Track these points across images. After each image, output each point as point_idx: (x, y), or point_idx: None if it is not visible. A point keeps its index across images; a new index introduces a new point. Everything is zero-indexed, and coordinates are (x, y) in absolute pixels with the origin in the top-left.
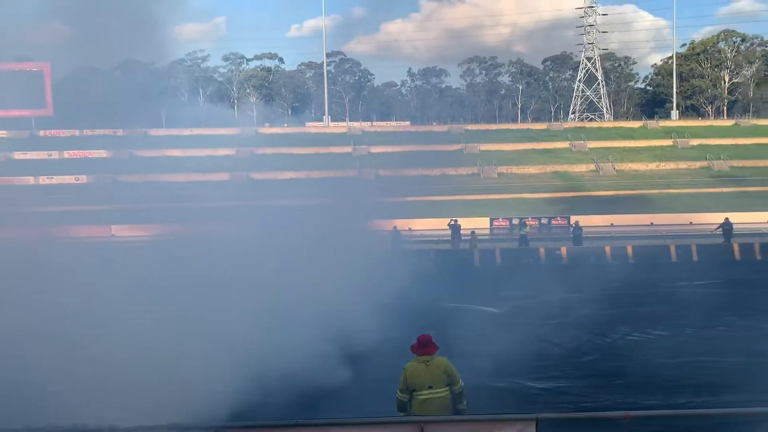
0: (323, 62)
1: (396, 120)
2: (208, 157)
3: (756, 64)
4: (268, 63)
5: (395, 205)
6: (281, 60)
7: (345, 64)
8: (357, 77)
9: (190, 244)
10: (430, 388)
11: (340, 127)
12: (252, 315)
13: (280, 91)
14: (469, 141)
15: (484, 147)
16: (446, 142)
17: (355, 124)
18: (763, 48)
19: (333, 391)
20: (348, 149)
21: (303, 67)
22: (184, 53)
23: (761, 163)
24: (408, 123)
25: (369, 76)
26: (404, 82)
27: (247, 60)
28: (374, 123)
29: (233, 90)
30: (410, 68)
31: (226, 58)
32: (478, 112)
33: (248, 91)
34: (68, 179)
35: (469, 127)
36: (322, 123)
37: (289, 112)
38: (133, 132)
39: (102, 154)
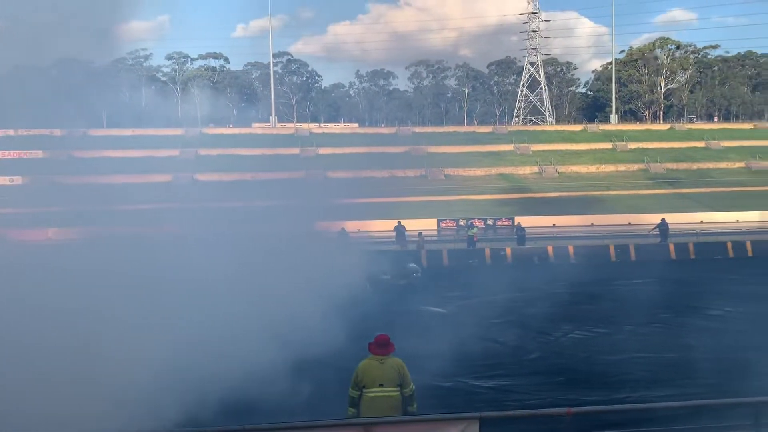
0: (270, 63)
1: (344, 121)
2: (150, 157)
3: (690, 71)
4: (213, 63)
5: (343, 207)
6: (227, 60)
7: (292, 65)
8: (304, 78)
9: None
10: (381, 386)
11: (287, 128)
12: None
13: (226, 91)
14: (417, 143)
15: (431, 149)
16: (394, 144)
17: (303, 126)
18: (696, 55)
19: (278, 396)
20: (295, 150)
21: (249, 67)
22: (125, 51)
23: (695, 165)
24: (356, 125)
25: (316, 77)
26: (352, 83)
27: (192, 59)
28: (322, 124)
29: (177, 90)
30: (358, 70)
31: (169, 57)
32: (426, 114)
33: (193, 91)
34: (2, 180)
35: (417, 129)
36: (268, 124)
37: (235, 113)
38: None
39: (38, 154)
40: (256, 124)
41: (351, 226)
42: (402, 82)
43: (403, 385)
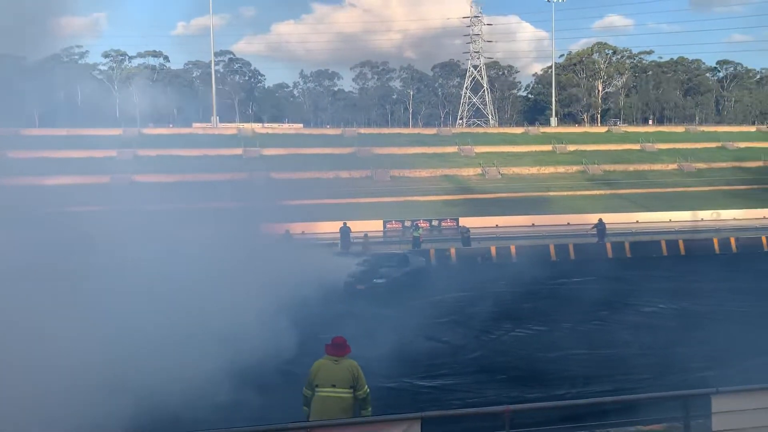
0: (211, 61)
1: (288, 122)
2: (87, 158)
3: (626, 75)
4: (152, 61)
5: (288, 209)
6: (166, 58)
7: (234, 64)
8: (247, 77)
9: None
10: (333, 386)
11: (229, 128)
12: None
13: (166, 90)
14: (363, 144)
15: (377, 150)
16: (339, 145)
17: (246, 126)
18: (632, 60)
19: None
20: (238, 151)
21: (190, 66)
22: (60, 48)
23: (631, 167)
24: (301, 125)
25: (259, 77)
26: (296, 83)
27: (130, 57)
28: (266, 125)
29: (115, 89)
30: (302, 70)
31: (106, 55)
32: (371, 115)
33: (131, 89)
34: None
35: (362, 130)
36: (209, 124)
37: (175, 113)
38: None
39: None
40: (197, 125)
41: (296, 227)
42: (347, 83)
43: (357, 388)
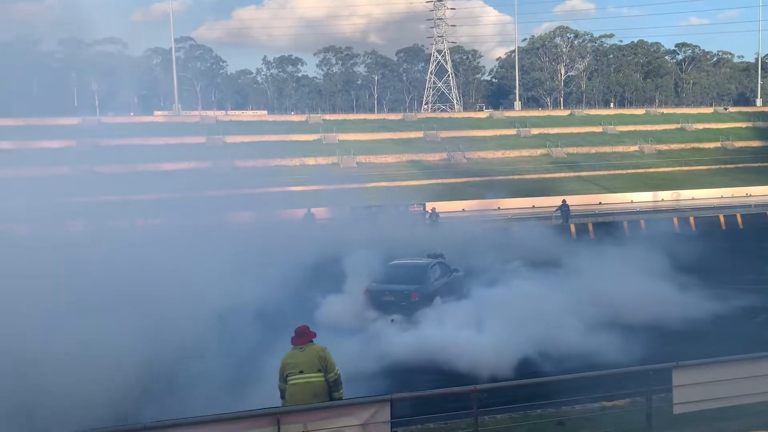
0: (171, 48)
1: (252, 109)
2: (45, 149)
3: (587, 59)
4: (110, 48)
5: (253, 197)
6: (125, 45)
7: (195, 51)
8: (209, 64)
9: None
10: (301, 372)
11: (191, 116)
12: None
13: (125, 78)
14: (328, 131)
15: (342, 137)
16: (305, 132)
17: (208, 113)
18: (593, 44)
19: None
20: (201, 139)
21: (149, 53)
22: (11, 35)
23: (593, 149)
24: (265, 112)
25: (222, 64)
26: (259, 70)
27: (87, 45)
28: (229, 112)
29: (72, 77)
30: (265, 56)
31: (62, 42)
32: (336, 101)
33: (89, 78)
34: None
35: (328, 116)
36: (171, 112)
37: (136, 101)
38: None
39: None
40: (159, 113)
41: (263, 215)
42: (311, 69)
43: (327, 371)
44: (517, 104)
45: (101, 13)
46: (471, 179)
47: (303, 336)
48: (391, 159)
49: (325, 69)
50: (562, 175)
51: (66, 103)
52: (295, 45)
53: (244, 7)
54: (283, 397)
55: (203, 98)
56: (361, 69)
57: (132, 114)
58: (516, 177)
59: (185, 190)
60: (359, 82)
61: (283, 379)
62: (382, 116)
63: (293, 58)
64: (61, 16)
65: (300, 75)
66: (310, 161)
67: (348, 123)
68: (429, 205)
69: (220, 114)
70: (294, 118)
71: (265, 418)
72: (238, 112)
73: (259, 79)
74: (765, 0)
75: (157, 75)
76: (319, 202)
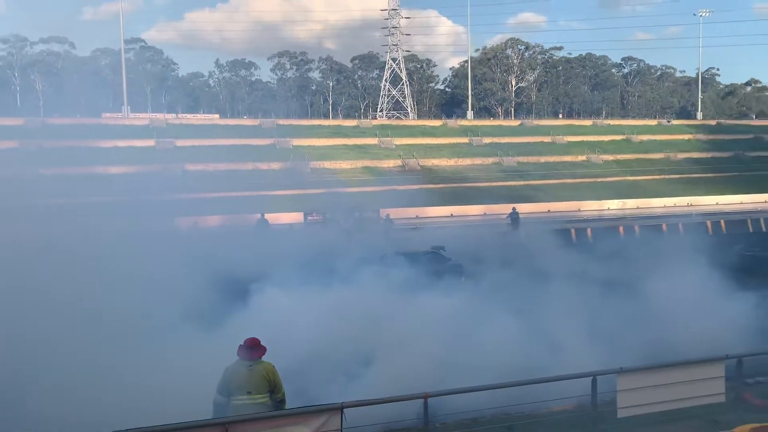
0: (121, 49)
1: (203, 112)
2: None
3: (537, 71)
4: (56, 47)
5: (204, 201)
6: (72, 45)
7: (146, 52)
8: (159, 66)
9: None
10: (249, 393)
11: (140, 118)
12: None
13: (72, 78)
14: (281, 136)
15: (296, 142)
16: (257, 137)
17: (158, 116)
18: (543, 56)
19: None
20: (150, 142)
21: (98, 53)
22: None
23: (542, 159)
24: (217, 116)
25: (173, 66)
26: (212, 73)
27: (32, 43)
28: (180, 115)
29: (15, 76)
30: (218, 59)
31: (5, 41)
32: (290, 106)
33: (33, 77)
34: None
35: (281, 121)
36: (120, 114)
37: (83, 102)
38: None
39: None
40: (107, 115)
41: (213, 221)
42: (265, 73)
43: (274, 391)
44: (470, 113)
45: (47, 10)
46: (425, 186)
47: (252, 350)
48: (345, 165)
49: (279, 74)
50: (513, 183)
51: (8, 103)
52: (248, 49)
53: (197, 9)
54: (218, 412)
55: (153, 101)
56: (315, 75)
57: (78, 116)
58: (468, 185)
59: (133, 193)
60: (314, 88)
61: (224, 393)
62: (336, 122)
63: (247, 61)
64: (4, 12)
65: (253, 79)
66: (263, 166)
67: (302, 128)
68: (383, 212)
69: (170, 117)
70: (247, 122)
71: (213, 428)
72: (189, 116)
73: (211, 82)
74: (705, 18)
75: (105, 76)
76: (273, 207)
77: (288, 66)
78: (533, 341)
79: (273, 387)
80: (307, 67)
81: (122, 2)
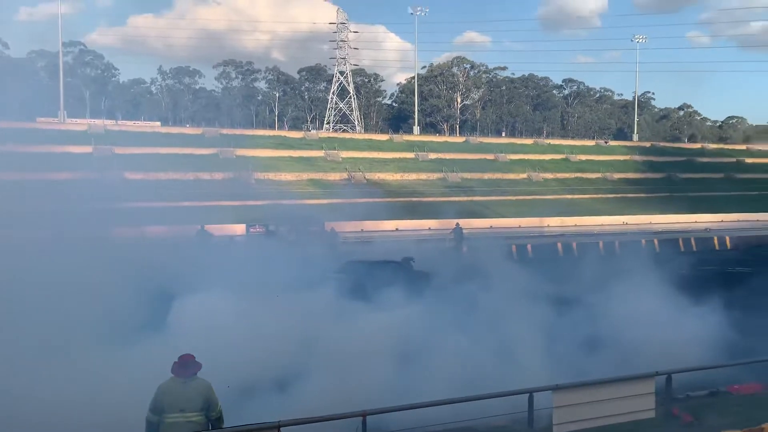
0: (59, 51)
1: (144, 120)
2: None
3: (482, 89)
4: None
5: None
6: (6, 45)
7: (85, 56)
8: (99, 71)
9: None
10: (182, 411)
11: (78, 124)
12: None
13: (4, 80)
14: (225, 145)
15: (240, 152)
16: (200, 146)
17: (97, 122)
18: (488, 75)
19: None
20: (88, 149)
21: (33, 55)
22: None
23: (486, 175)
24: (158, 123)
25: (113, 71)
26: (154, 80)
27: None
28: (119, 121)
29: None
30: (161, 66)
31: None
32: (235, 116)
33: None
34: None
35: (225, 131)
36: (56, 119)
37: (16, 105)
38: None
39: None
40: (42, 119)
41: (153, 231)
42: (209, 82)
43: (210, 408)
44: (416, 129)
45: None
46: (371, 200)
47: (187, 367)
48: (290, 177)
49: (224, 82)
50: (457, 199)
51: None
52: (193, 56)
53: (141, 14)
54: (149, 429)
55: (92, 106)
56: (261, 85)
57: (11, 120)
58: (414, 199)
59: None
60: (259, 98)
61: (157, 411)
62: (282, 133)
63: (191, 69)
64: None
65: (197, 87)
66: (205, 176)
67: (246, 138)
68: (328, 225)
69: (109, 123)
70: (189, 130)
71: None
72: (129, 123)
73: (153, 89)
74: (642, 44)
75: (41, 79)
76: (215, 218)
77: (233, 75)
78: (477, 356)
79: (208, 404)
80: (253, 76)
81: (61, 3)
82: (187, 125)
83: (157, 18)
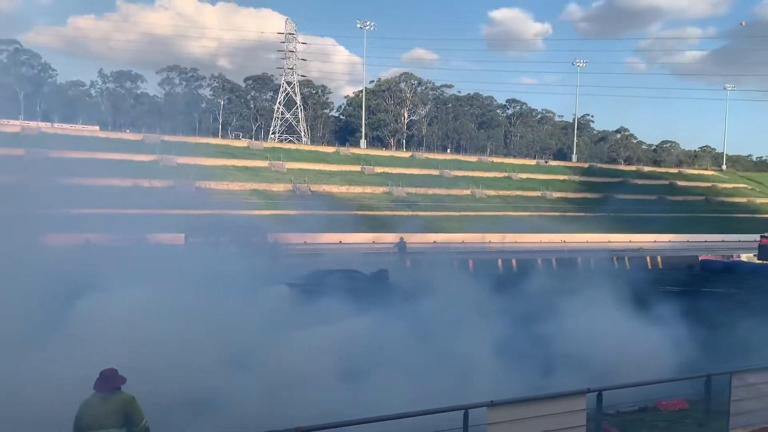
0: None
1: (82, 123)
2: None
3: (429, 106)
4: None
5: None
6: None
7: (21, 55)
8: (36, 71)
9: None
10: (102, 428)
11: (11, 125)
12: None
13: None
14: (166, 152)
15: (181, 160)
16: (140, 152)
17: (31, 124)
18: (435, 92)
19: None
20: (20, 151)
21: None
22: None
23: (431, 191)
24: (97, 127)
25: (51, 72)
26: (94, 82)
27: None
28: (56, 124)
29: None
30: (101, 69)
31: None
32: (177, 123)
33: None
34: None
35: (166, 137)
36: None
37: None
38: None
39: None
40: None
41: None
42: (152, 87)
43: (133, 423)
44: (363, 142)
45: None
46: (315, 212)
47: (108, 381)
48: (233, 186)
49: (167, 88)
50: (402, 213)
51: None
52: (136, 60)
53: (82, 15)
54: None
55: (27, 108)
56: (206, 92)
57: None
58: (359, 212)
59: None
60: (204, 105)
61: (80, 429)
62: (226, 142)
63: (133, 73)
64: None
65: (139, 92)
66: (145, 183)
67: (189, 146)
68: (271, 236)
69: (45, 126)
70: (129, 136)
71: None
72: (66, 126)
73: (93, 92)
74: (582, 68)
75: None
76: (153, 226)
77: (177, 81)
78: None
79: (129, 419)
80: (197, 83)
81: None
82: (127, 130)
83: (99, 20)
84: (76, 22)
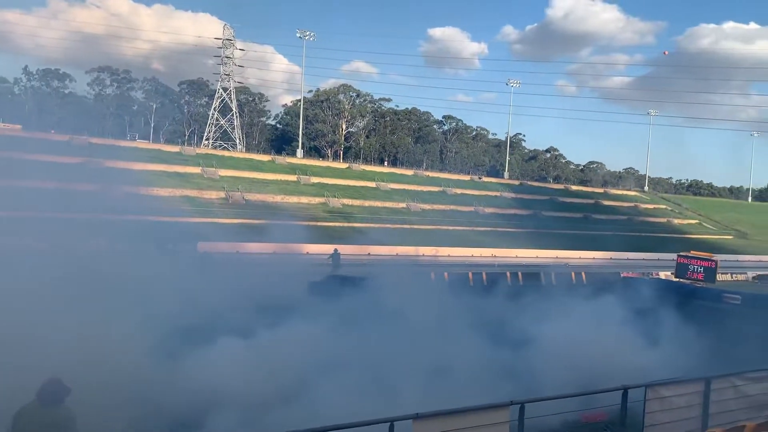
0: None
1: (3, 122)
2: None
3: (367, 118)
4: None
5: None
6: None
7: None
8: None
9: None
10: None
11: None
12: None
13: None
14: (94, 155)
15: (110, 163)
16: (66, 154)
17: None
18: (373, 105)
19: None
20: None
21: None
22: None
23: (367, 203)
24: (19, 127)
25: None
26: (18, 80)
27: None
28: None
29: None
30: (27, 66)
31: None
32: (107, 125)
33: None
34: None
35: (95, 140)
36: None
37: None
38: None
39: None
40: None
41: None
42: (81, 87)
43: None
44: (300, 152)
45: None
46: (248, 221)
47: (47, 392)
48: (163, 192)
49: (97, 89)
50: (337, 224)
51: None
52: (65, 59)
53: (7, 9)
54: None
55: None
56: (138, 94)
57: None
58: (294, 222)
59: None
60: (135, 108)
61: None
62: (157, 146)
63: (61, 72)
64: None
65: (67, 92)
66: (69, 186)
67: (118, 149)
68: (201, 246)
69: None
70: (54, 137)
71: None
72: None
73: (16, 90)
74: (516, 89)
75: None
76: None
77: (108, 82)
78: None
79: None
80: (129, 85)
81: None
82: (53, 131)
83: (26, 15)
84: (1, 15)
